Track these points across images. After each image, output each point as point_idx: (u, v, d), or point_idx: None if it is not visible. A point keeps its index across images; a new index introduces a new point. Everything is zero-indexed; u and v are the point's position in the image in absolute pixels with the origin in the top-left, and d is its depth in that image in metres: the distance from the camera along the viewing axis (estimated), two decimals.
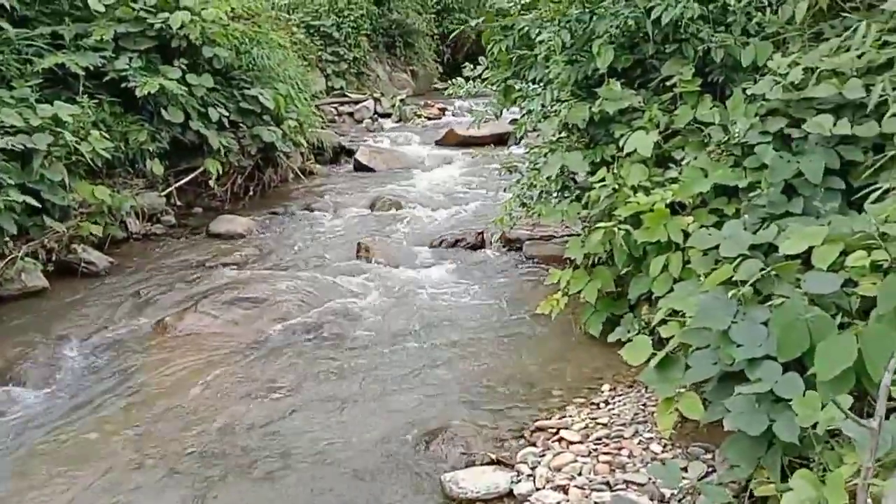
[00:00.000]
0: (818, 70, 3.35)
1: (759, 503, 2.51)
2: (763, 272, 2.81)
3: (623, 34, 4.26)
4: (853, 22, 3.39)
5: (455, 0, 18.92)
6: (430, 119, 13.34)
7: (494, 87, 5.33)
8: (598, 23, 4.23)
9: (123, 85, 6.64)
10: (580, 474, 2.97)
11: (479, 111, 5.23)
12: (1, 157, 5.25)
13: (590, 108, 4.20)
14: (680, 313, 3.08)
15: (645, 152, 3.88)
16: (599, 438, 3.22)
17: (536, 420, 3.45)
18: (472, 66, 5.39)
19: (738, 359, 2.61)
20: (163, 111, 6.91)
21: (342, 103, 13.69)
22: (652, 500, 2.76)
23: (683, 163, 3.83)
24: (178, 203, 7.35)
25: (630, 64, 4.35)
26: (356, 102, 13.79)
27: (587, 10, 4.39)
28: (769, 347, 2.57)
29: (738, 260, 2.95)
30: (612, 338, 3.92)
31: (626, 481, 2.89)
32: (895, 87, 3.06)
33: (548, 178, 4.52)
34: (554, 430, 3.33)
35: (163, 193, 7.16)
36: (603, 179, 3.99)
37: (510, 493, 2.94)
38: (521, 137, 4.99)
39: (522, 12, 4.90)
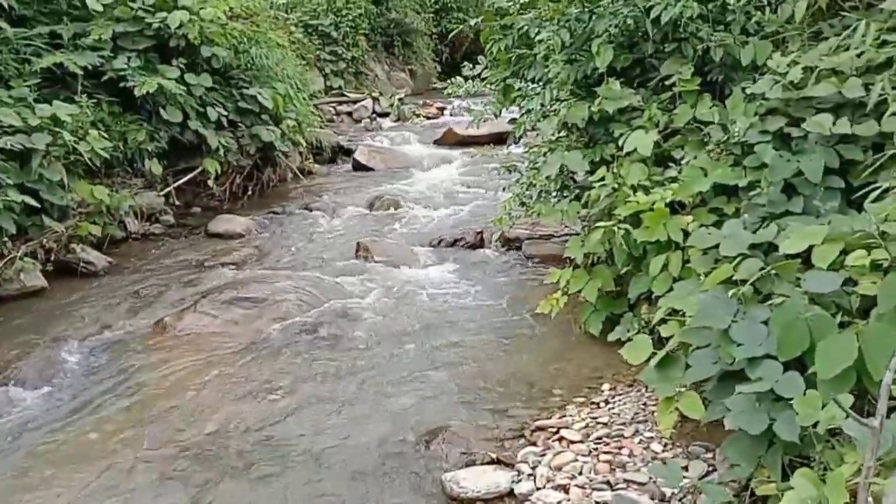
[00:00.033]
0: (817, 69, 3.35)
1: (759, 502, 2.51)
2: (763, 271, 2.81)
3: (622, 33, 4.26)
4: (852, 21, 3.40)
5: None
6: (428, 118, 13.34)
7: (493, 87, 5.33)
8: (598, 22, 4.23)
9: (122, 84, 6.65)
10: (581, 473, 2.97)
11: (477, 111, 5.23)
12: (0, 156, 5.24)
13: (589, 107, 4.20)
14: (680, 312, 3.08)
15: (644, 151, 3.88)
16: (600, 438, 3.22)
17: (537, 419, 3.45)
18: (471, 65, 5.39)
19: (739, 358, 2.61)
20: (161, 111, 6.91)
21: (340, 103, 13.69)
22: (653, 499, 2.76)
23: (683, 162, 3.83)
24: (177, 203, 7.36)
25: (629, 63, 4.35)
26: (354, 102, 13.79)
27: (586, 9, 4.39)
28: (769, 346, 2.57)
29: (738, 259, 2.95)
30: (611, 337, 3.92)
31: (626, 480, 2.89)
32: (894, 86, 3.06)
33: (547, 178, 4.52)
34: (554, 430, 3.33)
35: (161, 193, 7.16)
36: (602, 179, 3.99)
37: (511, 493, 2.94)
38: (521, 137, 4.98)
39: (521, 11, 4.91)
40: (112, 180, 6.61)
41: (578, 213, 4.39)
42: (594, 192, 4.01)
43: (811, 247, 2.77)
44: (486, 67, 5.33)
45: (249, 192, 8.06)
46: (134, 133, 6.68)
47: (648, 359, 3.09)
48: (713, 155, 3.73)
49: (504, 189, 5.18)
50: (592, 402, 3.58)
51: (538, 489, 2.91)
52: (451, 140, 10.68)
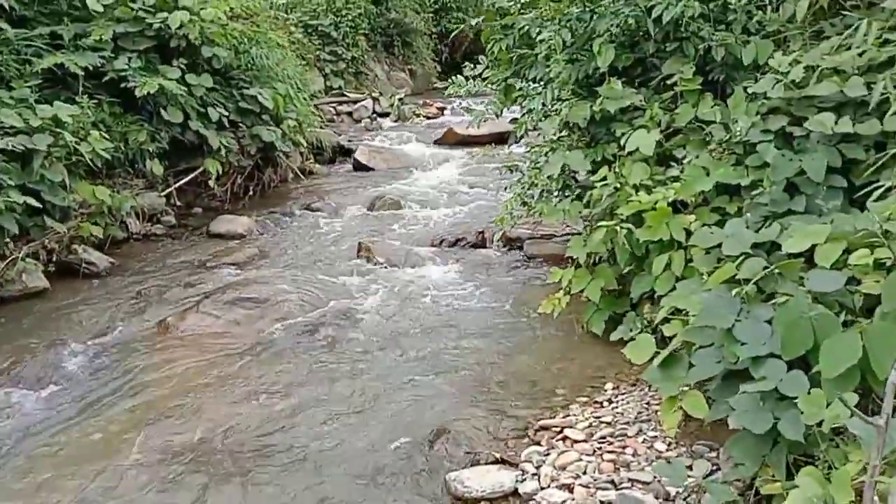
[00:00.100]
0: (819, 68, 3.36)
1: (764, 501, 2.51)
2: (766, 270, 2.82)
3: (624, 33, 4.27)
4: (854, 20, 3.40)
5: None
6: (428, 118, 13.34)
7: (495, 87, 5.33)
8: (599, 21, 4.23)
9: (123, 85, 6.64)
10: (585, 473, 2.97)
11: (478, 111, 5.23)
12: (1, 157, 5.24)
13: (591, 106, 4.20)
14: (683, 312, 3.08)
15: (646, 151, 3.88)
16: (604, 437, 3.22)
17: (540, 419, 3.45)
18: (471, 65, 5.39)
19: (742, 357, 2.62)
20: (162, 111, 6.91)
21: (341, 103, 13.69)
22: (657, 498, 2.76)
23: (685, 161, 3.83)
24: (178, 203, 7.35)
25: (631, 62, 4.35)
26: (355, 102, 13.79)
27: (588, 8, 4.39)
28: (773, 345, 2.58)
29: (741, 258, 2.96)
30: (614, 336, 3.92)
31: (630, 480, 2.89)
32: None
33: (549, 177, 4.53)
34: (558, 429, 3.33)
35: (163, 194, 7.15)
36: (604, 178, 3.99)
37: (515, 492, 2.94)
38: (522, 136, 4.99)
39: (522, 11, 4.91)
40: (113, 181, 6.61)
41: (580, 212, 4.39)
42: (596, 192, 4.01)
43: (814, 246, 2.78)
44: (486, 67, 5.33)
45: (250, 193, 8.06)
46: (135, 133, 6.68)
47: (651, 358, 3.09)
48: (715, 154, 3.74)
49: (505, 189, 5.18)
50: (596, 402, 3.58)
51: (542, 489, 2.92)
52: (452, 140, 10.68)
